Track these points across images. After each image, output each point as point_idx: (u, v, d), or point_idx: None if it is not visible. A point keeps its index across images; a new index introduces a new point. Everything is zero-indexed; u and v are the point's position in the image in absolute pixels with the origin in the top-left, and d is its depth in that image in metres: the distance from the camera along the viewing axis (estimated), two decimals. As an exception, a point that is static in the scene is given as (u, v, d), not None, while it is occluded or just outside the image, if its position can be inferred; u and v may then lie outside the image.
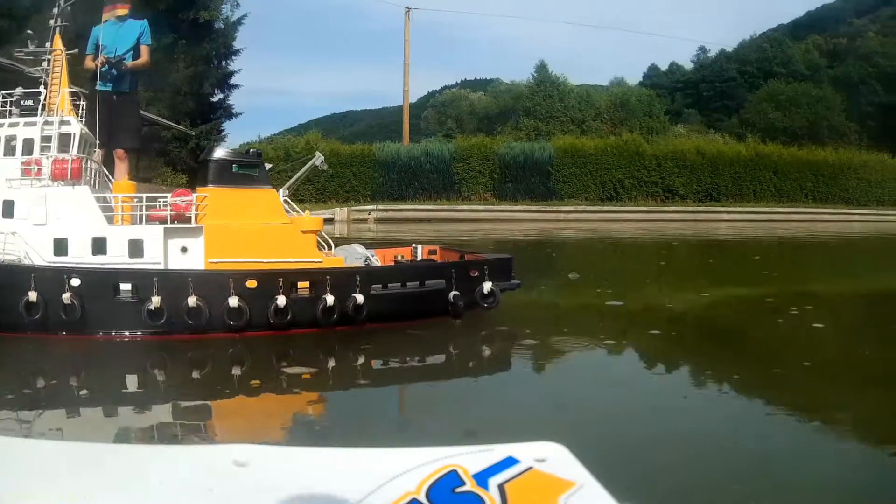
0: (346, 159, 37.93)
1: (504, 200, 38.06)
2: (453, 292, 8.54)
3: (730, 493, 4.04)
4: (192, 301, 7.46)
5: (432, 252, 10.55)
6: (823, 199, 42.28)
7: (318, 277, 7.99)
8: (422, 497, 1.09)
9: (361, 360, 7.69)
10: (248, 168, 8.47)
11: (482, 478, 1.15)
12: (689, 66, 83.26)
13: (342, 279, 8.06)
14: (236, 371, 7.18)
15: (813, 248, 25.72)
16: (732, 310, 11.52)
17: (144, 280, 7.56)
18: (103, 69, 9.22)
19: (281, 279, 7.77)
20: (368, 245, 10.12)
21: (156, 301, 7.42)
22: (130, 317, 7.59)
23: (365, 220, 33.94)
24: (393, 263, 9.84)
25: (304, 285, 8.01)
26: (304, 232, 8.56)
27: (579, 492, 1.10)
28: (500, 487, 1.13)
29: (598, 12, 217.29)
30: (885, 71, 65.41)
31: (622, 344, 8.66)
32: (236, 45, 37.14)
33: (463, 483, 1.13)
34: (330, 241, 9.12)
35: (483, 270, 8.83)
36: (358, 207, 35.57)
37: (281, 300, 7.63)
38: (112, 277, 7.65)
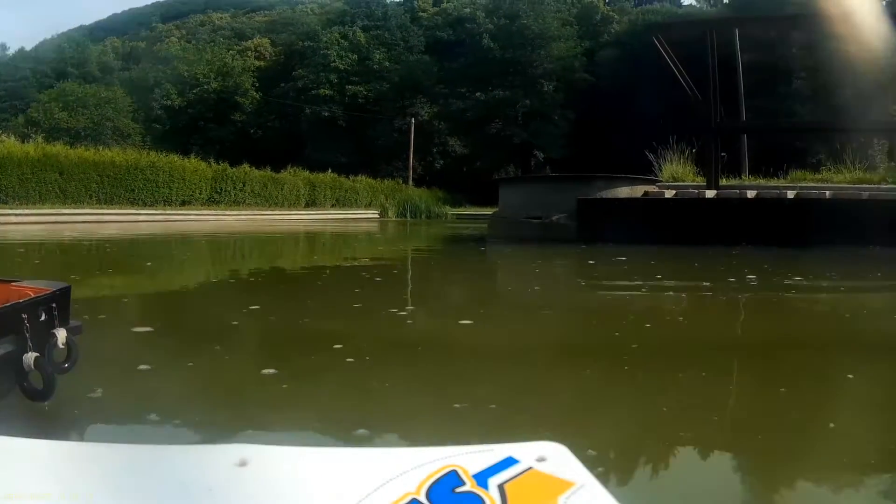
0: None
1: None
2: (32, 355, 3.24)
3: None
4: None
5: None
6: (110, 200, 43.36)
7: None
8: (422, 497, 1.09)
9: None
10: None
11: (482, 478, 1.15)
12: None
13: None
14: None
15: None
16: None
17: None
18: None
19: None
20: None
21: None
22: None
23: None
24: None
25: None
26: None
27: (579, 492, 1.10)
28: (500, 487, 1.13)
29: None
30: (181, 75, 69.93)
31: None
32: None
33: (463, 483, 1.13)
34: None
35: (51, 311, 4.03)
36: None
37: None
38: None
